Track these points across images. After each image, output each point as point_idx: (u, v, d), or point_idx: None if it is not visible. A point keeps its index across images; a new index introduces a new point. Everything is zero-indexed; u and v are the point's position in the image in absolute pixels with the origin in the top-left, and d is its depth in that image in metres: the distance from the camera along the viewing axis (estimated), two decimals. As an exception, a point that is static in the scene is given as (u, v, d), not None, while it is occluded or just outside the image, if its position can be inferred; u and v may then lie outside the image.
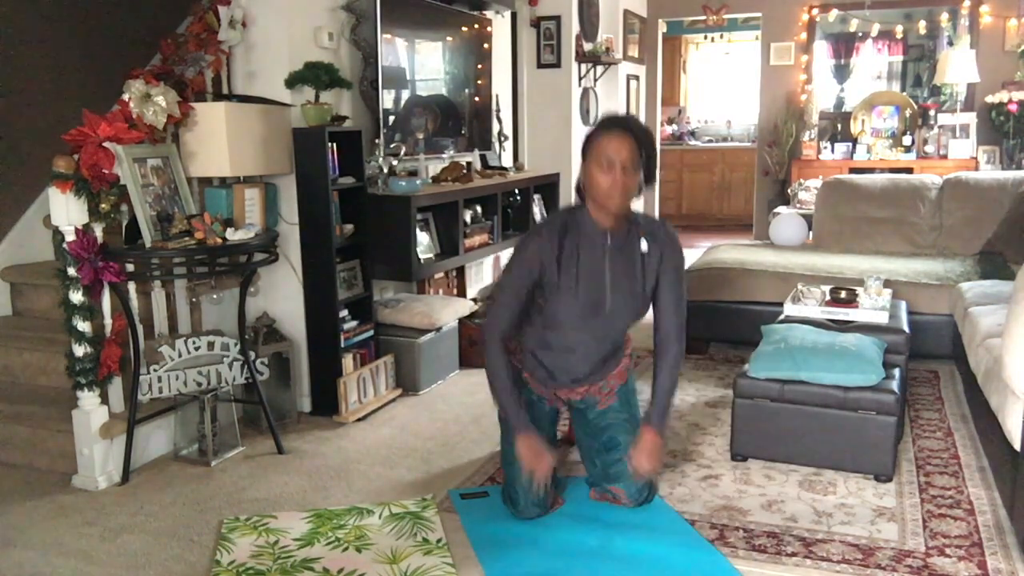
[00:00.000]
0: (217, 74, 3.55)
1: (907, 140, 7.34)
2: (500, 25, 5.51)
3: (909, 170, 6.78)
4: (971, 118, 7.13)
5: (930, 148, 7.28)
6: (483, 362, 2.64)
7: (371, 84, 4.03)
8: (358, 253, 3.91)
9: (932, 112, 7.41)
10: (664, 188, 9.47)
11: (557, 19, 6.67)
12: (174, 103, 3.18)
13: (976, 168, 6.93)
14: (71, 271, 2.97)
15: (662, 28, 8.56)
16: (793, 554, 2.50)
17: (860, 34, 7.84)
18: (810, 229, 5.64)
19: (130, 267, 3.15)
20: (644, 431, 2.67)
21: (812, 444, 3.06)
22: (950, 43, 7.25)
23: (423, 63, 4.59)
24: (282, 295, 3.79)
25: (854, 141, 7.55)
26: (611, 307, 2.59)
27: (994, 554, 2.49)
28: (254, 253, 3.39)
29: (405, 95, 4.33)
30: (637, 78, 8.20)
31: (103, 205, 2.99)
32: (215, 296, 3.61)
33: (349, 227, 3.78)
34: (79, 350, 3.02)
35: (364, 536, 2.66)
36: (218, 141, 3.26)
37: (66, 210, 2.93)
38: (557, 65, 6.75)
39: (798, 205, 6.67)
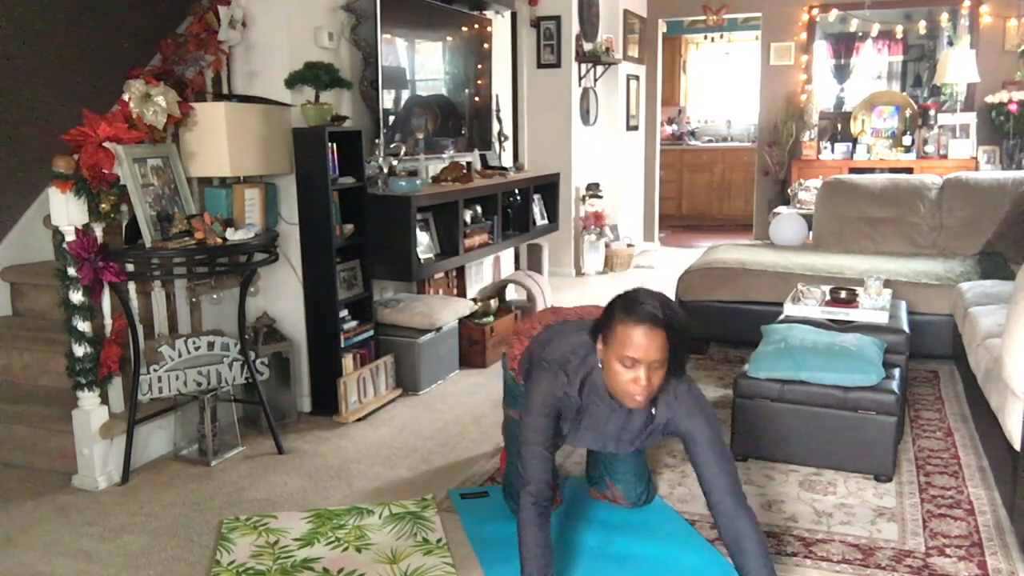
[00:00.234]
0: (217, 74, 3.55)
1: (907, 140, 7.34)
2: (500, 25, 5.51)
3: (909, 170, 6.78)
4: (971, 118, 7.13)
5: (930, 148, 7.28)
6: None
7: (371, 84, 4.03)
8: (358, 253, 3.91)
9: (932, 112, 7.41)
10: (664, 188, 9.48)
11: (557, 19, 6.69)
12: (174, 103, 3.18)
13: (976, 168, 6.93)
14: (71, 271, 2.97)
15: (662, 28, 8.56)
16: (793, 554, 2.50)
17: (860, 34, 7.84)
18: (810, 229, 5.65)
19: (130, 267, 3.15)
20: None
21: (812, 444, 3.06)
22: (950, 43, 7.25)
23: (423, 63, 4.59)
24: (282, 295, 3.79)
25: (854, 141, 7.56)
26: (620, 451, 2.44)
27: (994, 554, 2.49)
28: (254, 253, 3.39)
29: (405, 95, 4.33)
30: (637, 78, 8.20)
31: (103, 205, 2.99)
32: (215, 296, 3.60)
33: (349, 227, 3.78)
34: (79, 350, 3.02)
35: (364, 536, 2.66)
36: (218, 141, 3.26)
37: (66, 210, 2.93)
38: (557, 65, 6.76)
39: (798, 205, 6.68)
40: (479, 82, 5.07)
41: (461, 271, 5.09)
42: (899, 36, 7.78)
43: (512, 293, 5.60)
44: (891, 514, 2.75)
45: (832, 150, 7.60)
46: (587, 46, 6.93)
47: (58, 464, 3.17)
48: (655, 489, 2.88)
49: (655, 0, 8.30)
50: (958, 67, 6.90)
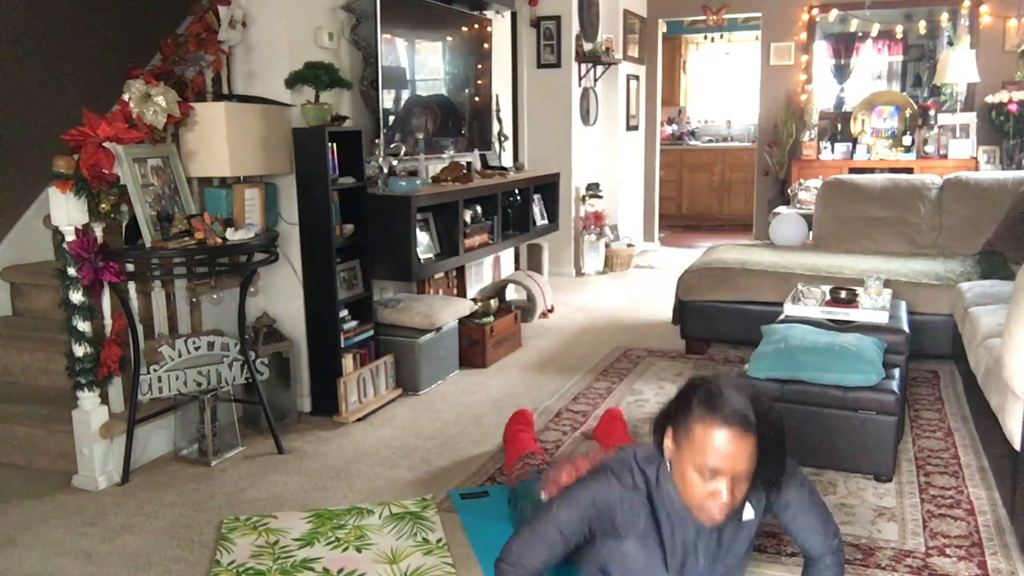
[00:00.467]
0: (217, 74, 3.55)
1: (907, 140, 7.33)
2: (500, 25, 5.51)
3: (909, 170, 6.77)
4: (971, 118, 7.13)
5: (930, 148, 7.27)
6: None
7: (371, 84, 4.03)
8: (358, 253, 3.91)
9: (932, 112, 7.41)
10: (664, 188, 9.47)
11: (557, 19, 6.68)
12: (174, 103, 3.18)
13: (976, 168, 6.92)
14: (71, 271, 2.97)
15: (662, 28, 8.56)
16: (793, 554, 2.50)
17: (860, 34, 7.83)
18: (810, 229, 5.64)
19: (130, 267, 3.15)
20: None
21: (812, 444, 3.06)
22: (950, 43, 7.25)
23: (423, 63, 4.59)
24: (282, 295, 3.79)
25: (854, 141, 7.55)
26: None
27: (994, 554, 2.49)
28: (254, 253, 3.39)
29: (405, 95, 4.33)
30: (637, 78, 8.20)
31: (103, 205, 2.99)
32: (215, 296, 3.61)
33: (349, 227, 3.78)
34: (79, 350, 3.02)
35: (364, 536, 2.66)
36: (218, 141, 3.26)
37: (66, 210, 2.93)
38: (557, 65, 6.76)
39: (798, 205, 6.67)
40: (479, 82, 5.07)
41: (461, 271, 5.09)
42: (899, 36, 7.77)
43: (512, 293, 5.60)
44: (891, 514, 2.75)
45: (832, 150, 7.60)
46: (587, 46, 6.93)
47: (58, 464, 3.17)
48: None
49: (655, 0, 8.30)
50: (958, 67, 6.90)
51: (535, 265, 6.16)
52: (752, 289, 4.48)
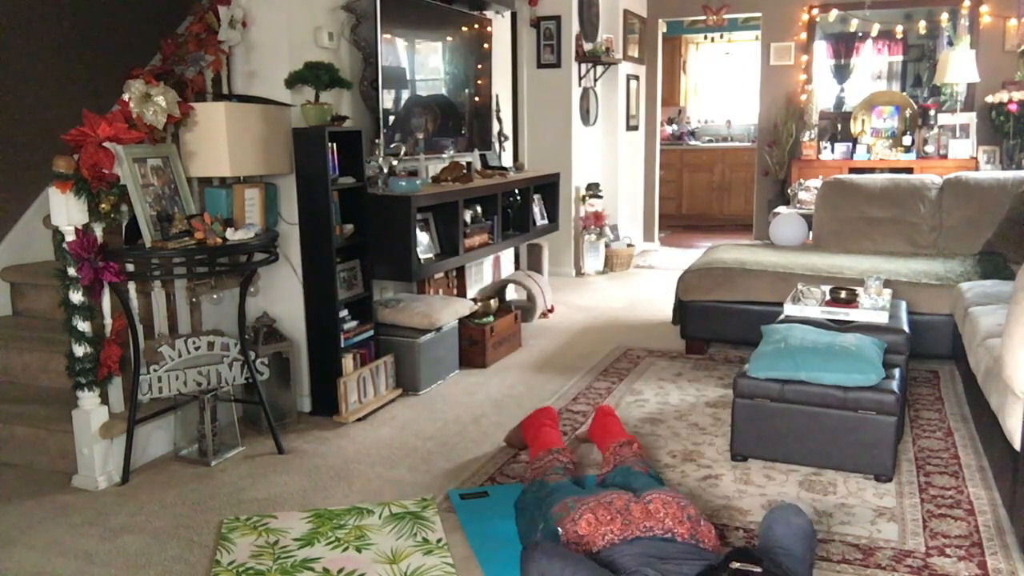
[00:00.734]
0: (217, 74, 3.55)
1: (907, 140, 7.34)
2: (500, 25, 5.51)
3: (909, 170, 6.78)
4: (971, 118, 7.13)
5: (930, 148, 7.28)
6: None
7: (371, 84, 4.03)
8: (358, 253, 3.91)
9: (932, 112, 7.41)
10: (664, 188, 9.48)
11: (557, 19, 6.69)
12: (174, 103, 3.18)
13: (976, 168, 6.93)
14: (71, 271, 2.97)
15: (662, 28, 8.56)
16: (793, 554, 2.50)
17: (860, 34, 7.84)
18: (810, 229, 5.65)
19: (130, 267, 3.15)
20: None
21: (812, 444, 3.06)
22: (950, 43, 7.25)
23: (423, 63, 4.59)
24: (282, 295, 3.79)
25: (854, 141, 7.55)
26: None
27: (994, 554, 2.49)
28: (254, 253, 3.39)
29: (405, 95, 4.33)
30: (637, 78, 8.20)
31: (103, 205, 2.99)
32: (215, 296, 3.61)
33: (349, 227, 3.78)
34: (79, 350, 3.02)
35: (364, 536, 2.66)
36: (218, 141, 3.26)
37: (66, 210, 2.93)
38: (557, 65, 6.77)
39: (798, 205, 6.68)
40: (479, 82, 5.07)
41: (461, 271, 5.09)
42: (899, 36, 7.78)
43: (512, 293, 5.60)
44: (891, 514, 2.75)
45: (832, 150, 7.60)
46: (587, 46, 6.93)
47: (58, 464, 3.17)
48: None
49: (655, 0, 8.31)
50: (958, 67, 6.90)
51: (535, 265, 6.16)
52: (752, 289, 4.48)
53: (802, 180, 7.08)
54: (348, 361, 3.77)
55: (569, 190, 6.76)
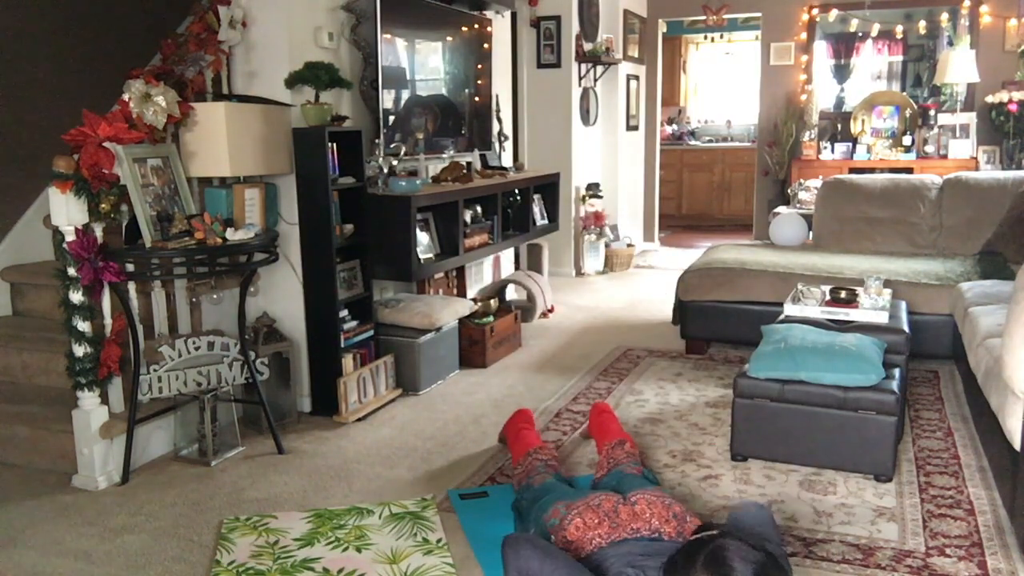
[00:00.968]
0: (217, 74, 3.55)
1: (907, 140, 7.34)
2: (500, 25, 5.51)
3: (909, 170, 6.78)
4: (971, 118, 7.13)
5: (930, 148, 7.28)
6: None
7: (371, 84, 4.03)
8: (358, 253, 3.91)
9: (932, 112, 7.41)
10: (664, 188, 9.48)
11: (557, 19, 6.69)
12: (174, 103, 3.18)
13: (976, 168, 6.93)
14: (71, 271, 2.97)
15: (662, 28, 8.56)
16: (793, 554, 2.50)
17: (860, 34, 7.84)
18: (810, 229, 5.65)
19: (130, 267, 3.15)
20: None
21: (812, 444, 3.06)
22: (950, 43, 7.25)
23: (423, 63, 4.59)
24: (282, 295, 3.79)
25: (854, 141, 7.55)
26: None
27: (994, 554, 2.49)
28: (254, 253, 3.39)
29: (405, 95, 4.34)
30: (637, 78, 8.20)
31: (103, 205, 2.99)
32: (215, 296, 3.61)
33: (349, 227, 3.78)
34: (79, 350, 3.02)
35: (364, 536, 2.66)
36: (218, 141, 3.26)
37: (66, 210, 2.93)
38: (557, 65, 6.77)
39: (798, 205, 6.68)
40: (479, 82, 5.07)
41: (461, 271, 5.09)
42: (899, 36, 7.78)
43: (512, 293, 5.60)
44: (891, 514, 2.75)
45: (832, 150, 7.60)
46: (587, 46, 6.93)
47: (58, 464, 3.17)
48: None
49: (655, 0, 8.31)
50: (958, 67, 6.90)
51: (535, 265, 6.17)
52: (752, 289, 4.48)
53: (802, 180, 7.08)
54: (348, 361, 3.77)
55: (569, 190, 6.76)
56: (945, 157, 7.14)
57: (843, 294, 3.69)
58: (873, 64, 8.09)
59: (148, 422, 3.28)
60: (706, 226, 10.18)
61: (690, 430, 3.54)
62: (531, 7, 6.61)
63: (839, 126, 7.75)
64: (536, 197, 5.41)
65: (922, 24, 7.51)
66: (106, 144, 2.97)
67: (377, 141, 4.00)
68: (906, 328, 3.49)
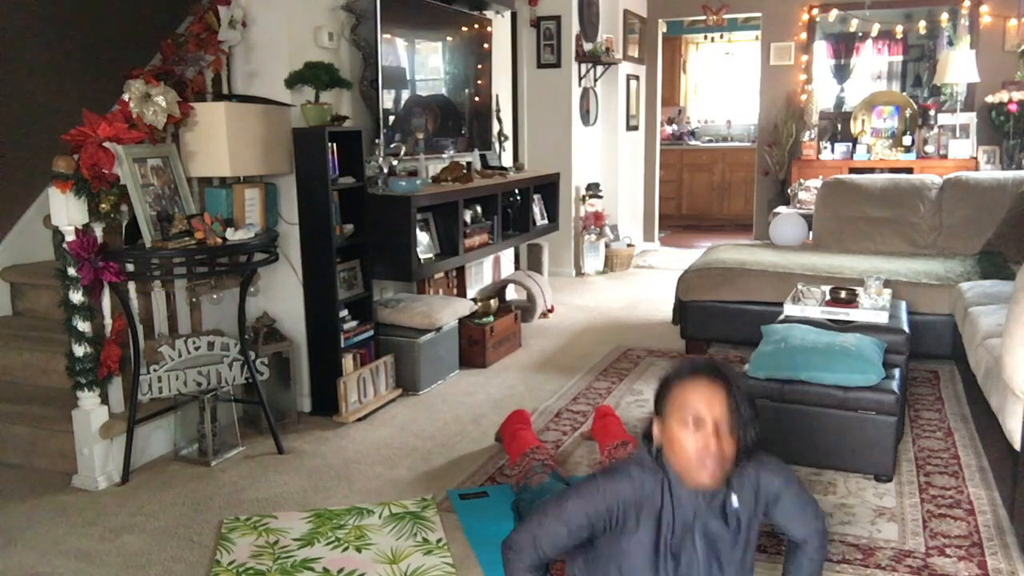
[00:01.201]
0: (217, 74, 3.55)
1: (907, 140, 7.34)
2: (500, 25, 5.51)
3: (909, 170, 6.77)
4: (971, 118, 7.13)
5: (930, 148, 7.28)
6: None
7: (371, 84, 4.03)
8: (358, 253, 3.91)
9: (932, 112, 7.41)
10: (664, 188, 9.47)
11: (557, 19, 6.69)
12: (174, 103, 3.18)
13: (976, 168, 6.93)
14: (71, 271, 2.97)
15: (662, 28, 8.56)
16: (793, 554, 2.50)
17: (860, 34, 7.83)
18: (810, 229, 5.64)
19: (130, 267, 3.15)
20: None
21: (812, 444, 3.06)
22: (950, 43, 7.25)
23: (423, 63, 4.59)
24: (282, 295, 3.79)
25: (854, 141, 7.55)
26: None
27: (994, 554, 2.49)
28: (254, 253, 3.39)
29: (405, 95, 4.34)
30: (637, 78, 8.20)
31: (103, 205, 2.99)
32: (215, 296, 3.61)
33: (349, 227, 3.78)
34: (79, 350, 3.02)
35: (364, 536, 2.66)
36: (218, 141, 3.26)
37: (66, 210, 2.93)
38: (557, 65, 6.77)
39: (798, 205, 6.68)
40: (479, 82, 5.07)
41: (461, 271, 5.09)
42: (899, 36, 7.78)
43: (512, 293, 5.60)
44: (891, 514, 2.75)
45: (832, 150, 7.60)
46: (587, 46, 6.93)
47: (58, 464, 3.17)
48: None
49: (655, 0, 8.31)
50: (958, 67, 6.90)
51: (535, 265, 6.17)
52: (752, 289, 4.48)
53: (802, 180, 7.08)
54: (348, 361, 3.77)
55: (569, 190, 6.75)
56: (945, 157, 7.14)
57: (843, 294, 3.68)
58: (873, 64, 8.09)
59: (148, 422, 3.28)
60: (706, 226, 10.18)
61: (690, 430, 3.53)
62: (531, 7, 6.61)
63: (839, 126, 7.75)
64: (536, 197, 5.41)
65: (922, 24, 7.50)
66: (106, 144, 2.97)
67: (377, 141, 4.00)
68: (906, 328, 3.49)
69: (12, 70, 3.84)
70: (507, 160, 5.65)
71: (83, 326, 3.02)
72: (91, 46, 4.19)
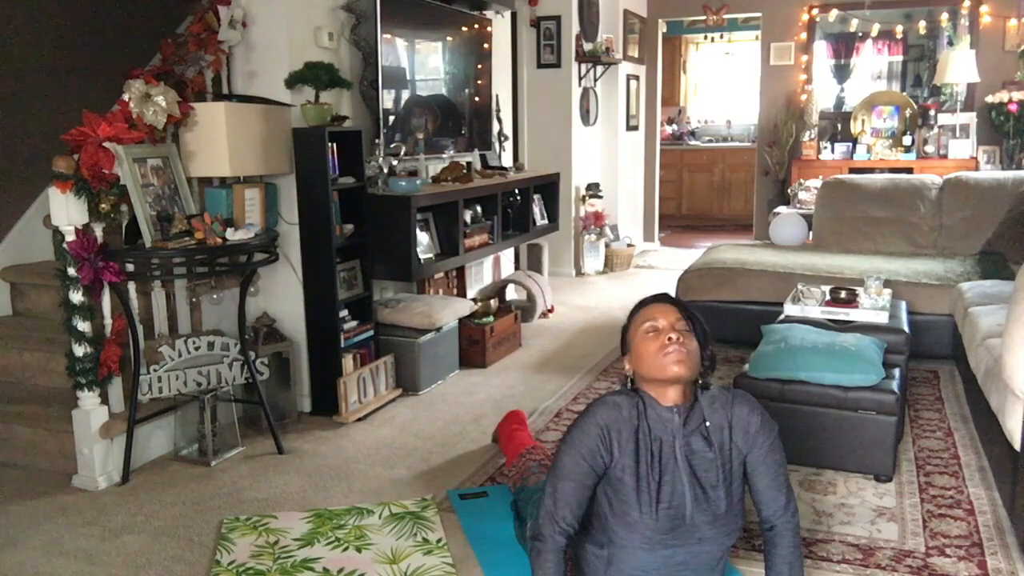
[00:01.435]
0: (217, 74, 3.55)
1: (907, 140, 7.34)
2: (500, 25, 5.51)
3: (909, 170, 6.78)
4: (971, 118, 7.13)
5: (930, 148, 7.28)
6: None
7: (371, 84, 4.03)
8: (358, 253, 3.91)
9: (932, 112, 7.41)
10: (664, 188, 9.47)
11: (557, 19, 6.69)
12: (174, 103, 3.18)
13: (976, 168, 6.93)
14: (71, 271, 2.97)
15: (662, 28, 8.56)
16: (793, 554, 2.50)
17: (860, 34, 7.84)
18: (810, 229, 5.65)
19: (130, 267, 3.15)
20: None
21: (812, 444, 3.06)
22: (950, 43, 7.25)
23: (423, 63, 4.59)
24: (282, 295, 3.79)
25: (854, 141, 7.55)
26: (692, 519, 1.95)
27: (994, 554, 2.49)
28: (254, 253, 3.39)
29: (405, 95, 4.34)
30: (637, 78, 8.20)
31: (103, 205, 2.99)
32: (215, 296, 3.61)
33: (349, 227, 3.78)
34: (79, 350, 3.02)
35: (364, 536, 2.66)
36: (218, 141, 3.26)
37: (66, 210, 2.93)
38: (557, 65, 6.77)
39: (798, 205, 6.68)
40: (479, 82, 5.07)
41: (461, 271, 5.09)
42: (899, 36, 7.78)
43: (512, 293, 5.60)
44: (891, 514, 2.75)
45: (832, 150, 7.60)
46: (587, 46, 6.93)
47: (58, 464, 3.17)
48: None
49: (655, 0, 8.31)
50: (958, 67, 6.90)
51: (535, 265, 6.17)
52: (752, 289, 4.48)
53: (802, 180, 7.08)
54: (348, 361, 3.77)
55: (569, 190, 6.76)
56: (945, 157, 7.14)
57: (843, 294, 3.69)
58: (873, 64, 8.09)
59: (148, 422, 3.28)
60: (706, 226, 10.18)
61: (690, 430, 3.53)
62: (531, 7, 6.61)
63: (839, 126, 7.75)
64: (536, 197, 5.41)
65: (922, 24, 7.51)
66: (106, 144, 2.97)
67: (377, 141, 4.00)
68: (906, 328, 3.49)
69: (11, 70, 3.84)
70: (507, 160, 5.65)
71: (83, 326, 3.02)
72: (91, 46, 4.19)
